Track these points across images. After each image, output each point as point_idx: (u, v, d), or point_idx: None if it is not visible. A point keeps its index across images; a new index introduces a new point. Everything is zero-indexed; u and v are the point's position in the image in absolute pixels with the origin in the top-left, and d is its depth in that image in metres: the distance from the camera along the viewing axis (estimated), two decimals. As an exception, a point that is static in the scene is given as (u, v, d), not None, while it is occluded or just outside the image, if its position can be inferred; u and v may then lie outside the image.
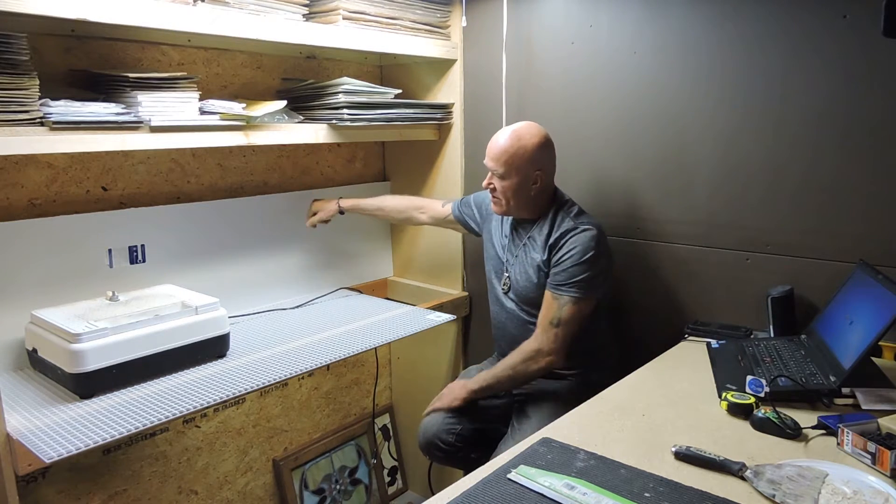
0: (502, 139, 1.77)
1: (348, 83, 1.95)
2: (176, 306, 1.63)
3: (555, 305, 1.73)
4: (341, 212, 2.12)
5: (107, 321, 1.50)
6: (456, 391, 1.86)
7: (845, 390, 1.35)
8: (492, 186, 1.80)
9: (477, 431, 1.88)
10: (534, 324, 1.84)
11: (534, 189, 1.78)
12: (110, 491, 1.85)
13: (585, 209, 1.99)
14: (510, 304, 1.88)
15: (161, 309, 1.60)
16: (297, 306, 2.15)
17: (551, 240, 1.78)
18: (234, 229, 2.04)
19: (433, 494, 1.09)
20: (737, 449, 1.20)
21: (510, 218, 1.91)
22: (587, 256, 1.71)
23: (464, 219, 2.07)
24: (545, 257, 1.78)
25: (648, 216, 1.95)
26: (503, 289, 1.90)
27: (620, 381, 1.54)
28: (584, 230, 1.75)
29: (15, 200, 1.64)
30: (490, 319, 2.01)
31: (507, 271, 1.89)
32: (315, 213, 2.13)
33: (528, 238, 1.84)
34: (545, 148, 1.79)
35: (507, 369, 1.78)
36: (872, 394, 1.34)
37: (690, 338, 1.78)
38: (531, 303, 1.83)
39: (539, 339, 1.75)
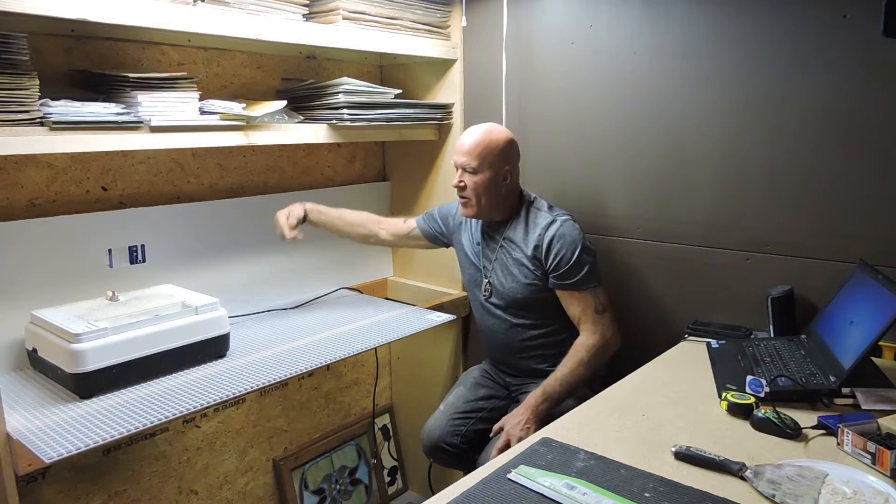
0: (473, 134, 1.79)
1: (348, 83, 1.95)
2: (176, 306, 1.63)
3: (588, 297, 1.76)
4: (304, 217, 1.96)
5: (107, 321, 1.50)
6: (522, 416, 1.69)
7: (845, 390, 1.35)
8: (462, 185, 1.79)
9: (481, 433, 1.88)
10: (522, 326, 1.84)
11: (504, 187, 1.80)
12: (110, 491, 1.85)
13: (586, 209, 1.99)
14: (495, 310, 1.88)
15: (161, 309, 1.60)
16: (297, 306, 2.15)
17: (534, 237, 1.79)
18: (234, 229, 2.03)
19: (433, 494, 1.09)
20: (737, 449, 1.20)
21: (479, 224, 1.91)
22: (581, 245, 1.76)
23: (431, 232, 2.05)
24: (531, 255, 1.78)
25: (649, 216, 1.95)
26: (484, 295, 1.89)
27: (620, 381, 1.53)
28: (564, 221, 1.78)
29: (15, 200, 1.63)
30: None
31: (485, 277, 1.88)
32: (287, 223, 1.91)
33: (504, 239, 1.84)
34: (513, 145, 1.82)
35: (577, 366, 1.72)
36: (872, 394, 1.34)
37: (690, 338, 1.78)
38: (518, 304, 1.83)
39: (596, 330, 1.75)
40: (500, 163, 1.78)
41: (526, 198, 1.87)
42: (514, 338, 1.87)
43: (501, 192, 1.80)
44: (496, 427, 1.74)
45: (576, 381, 1.72)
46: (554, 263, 1.75)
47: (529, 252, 1.78)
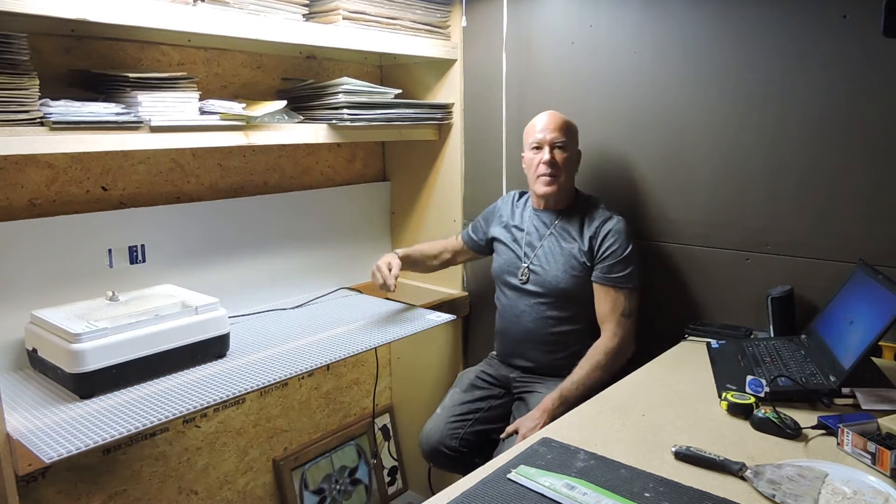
0: (554, 115, 1.84)
1: (348, 83, 1.95)
2: (176, 306, 1.63)
3: (621, 298, 1.78)
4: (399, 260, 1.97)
5: (107, 321, 1.50)
6: (539, 419, 1.68)
7: (845, 390, 1.35)
8: (553, 160, 1.81)
9: (479, 434, 1.87)
10: (554, 318, 1.83)
11: (576, 170, 1.87)
12: (110, 491, 1.85)
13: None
14: (530, 297, 1.86)
15: (161, 309, 1.60)
16: (297, 306, 2.15)
17: (590, 230, 1.81)
18: (234, 229, 2.04)
19: (433, 494, 1.09)
20: (737, 449, 1.20)
21: (527, 212, 1.93)
22: (630, 247, 1.79)
23: (475, 241, 2.07)
24: (586, 248, 1.80)
25: (648, 216, 1.95)
26: (521, 280, 1.88)
27: (620, 381, 1.54)
28: (620, 219, 1.82)
29: (15, 200, 1.63)
30: (493, 317, 2.00)
31: (524, 262, 1.87)
32: (392, 274, 1.89)
33: (555, 227, 1.86)
34: None
35: (595, 370, 1.73)
36: (872, 394, 1.34)
37: (690, 338, 1.78)
38: (558, 293, 1.82)
39: (617, 333, 1.77)
40: (577, 145, 1.86)
41: (582, 193, 1.91)
42: (542, 328, 1.85)
43: (574, 175, 1.87)
44: (510, 429, 1.72)
45: (592, 385, 1.70)
46: (604, 255, 1.78)
47: (585, 245, 1.80)
